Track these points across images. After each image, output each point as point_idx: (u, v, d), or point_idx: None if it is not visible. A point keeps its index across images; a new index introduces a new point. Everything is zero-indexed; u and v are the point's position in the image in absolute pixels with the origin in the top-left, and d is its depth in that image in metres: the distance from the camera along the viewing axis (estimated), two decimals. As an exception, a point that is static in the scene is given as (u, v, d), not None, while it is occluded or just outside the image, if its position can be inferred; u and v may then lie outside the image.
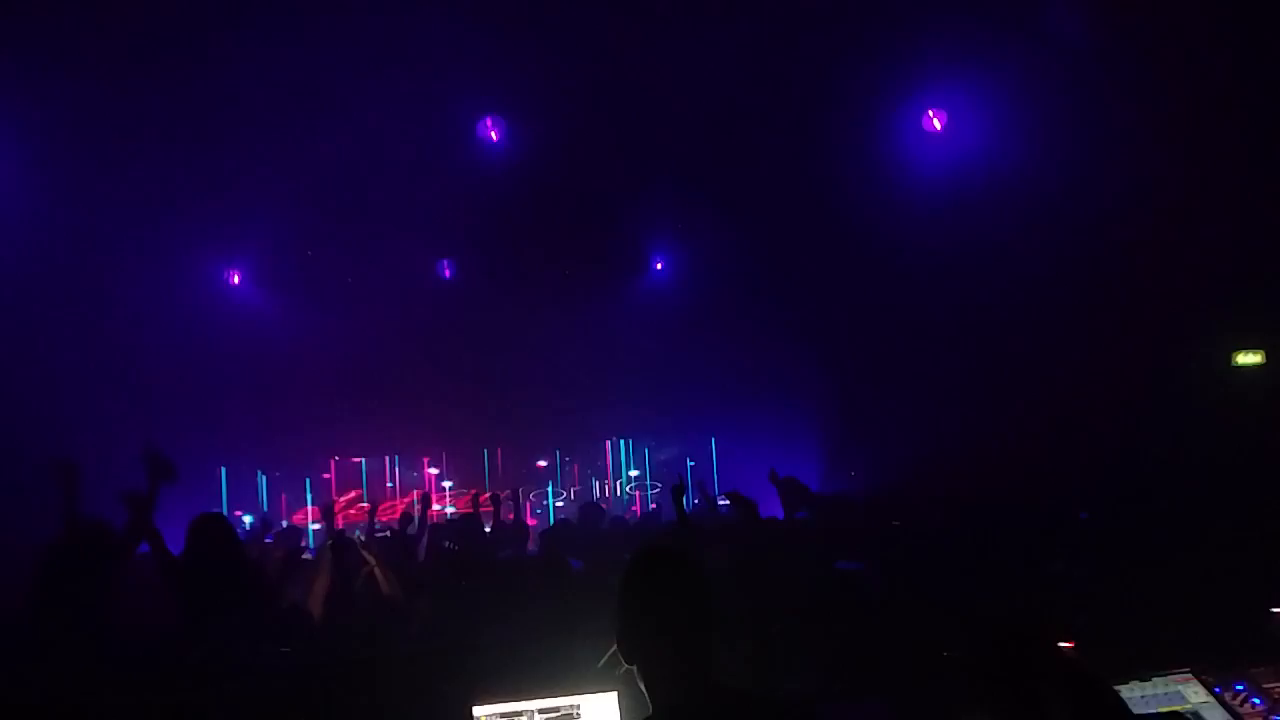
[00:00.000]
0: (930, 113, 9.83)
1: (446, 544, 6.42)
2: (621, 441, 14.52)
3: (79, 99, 8.29)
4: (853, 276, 10.86)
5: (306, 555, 5.91)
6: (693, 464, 13.43)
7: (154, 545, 4.21)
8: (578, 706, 3.02)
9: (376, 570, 5.05)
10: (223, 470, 12.76)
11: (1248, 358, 8.90)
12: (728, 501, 5.33)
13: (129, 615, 4.22)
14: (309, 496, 13.36)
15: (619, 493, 14.28)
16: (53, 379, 9.23)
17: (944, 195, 9.57)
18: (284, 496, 13.46)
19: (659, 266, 13.41)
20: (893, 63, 9.02)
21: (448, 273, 12.70)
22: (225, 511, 12.19)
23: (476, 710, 2.98)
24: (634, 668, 2.16)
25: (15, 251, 8.76)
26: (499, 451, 14.10)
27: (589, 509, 8.59)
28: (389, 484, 13.91)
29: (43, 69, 7.92)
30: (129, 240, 9.80)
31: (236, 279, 12.23)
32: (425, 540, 6.64)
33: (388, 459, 13.99)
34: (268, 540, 8.08)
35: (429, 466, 13.99)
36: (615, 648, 3.08)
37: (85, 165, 8.83)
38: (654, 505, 12.75)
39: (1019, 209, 8.94)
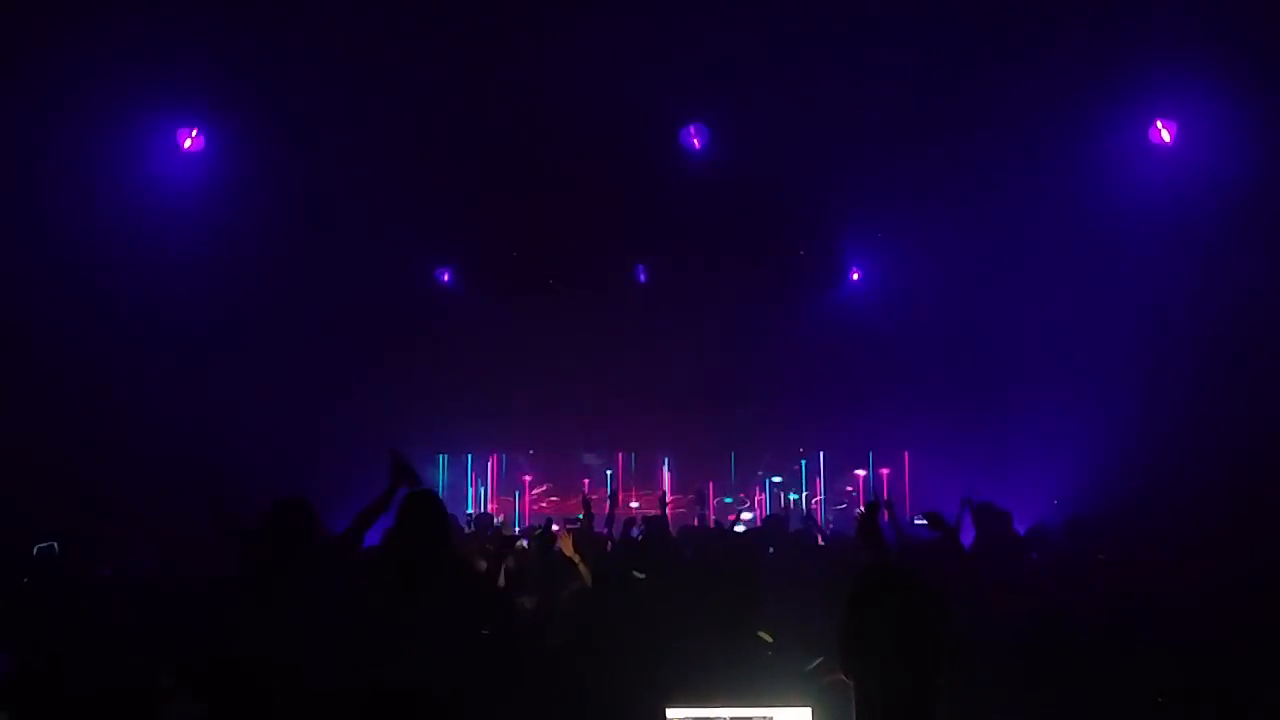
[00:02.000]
0: (1159, 123, 9.21)
1: (635, 533, 6.55)
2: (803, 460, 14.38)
3: (296, 104, 8.95)
4: (1059, 294, 10.33)
5: (520, 544, 6.13)
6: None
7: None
8: (770, 719, 3.00)
9: (580, 566, 5.21)
10: (441, 458, 13.56)
11: None
12: (925, 522, 5.12)
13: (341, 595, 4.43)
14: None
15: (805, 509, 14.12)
16: (270, 372, 10.00)
17: (1169, 211, 8.96)
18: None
19: (856, 277, 13.18)
20: (1118, 69, 8.51)
21: (643, 277, 12.93)
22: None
23: (670, 713, 3.01)
24: (850, 682, 2.13)
25: (236, 250, 9.56)
26: (670, 458, 14.26)
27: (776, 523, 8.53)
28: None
29: (260, 74, 8.55)
30: (345, 241, 10.51)
31: (447, 277, 12.92)
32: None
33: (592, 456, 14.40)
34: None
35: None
36: (821, 660, 3.06)
37: (303, 168, 9.52)
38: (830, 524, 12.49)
39: (1256, 238, 8.25)
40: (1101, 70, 8.51)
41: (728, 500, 14.16)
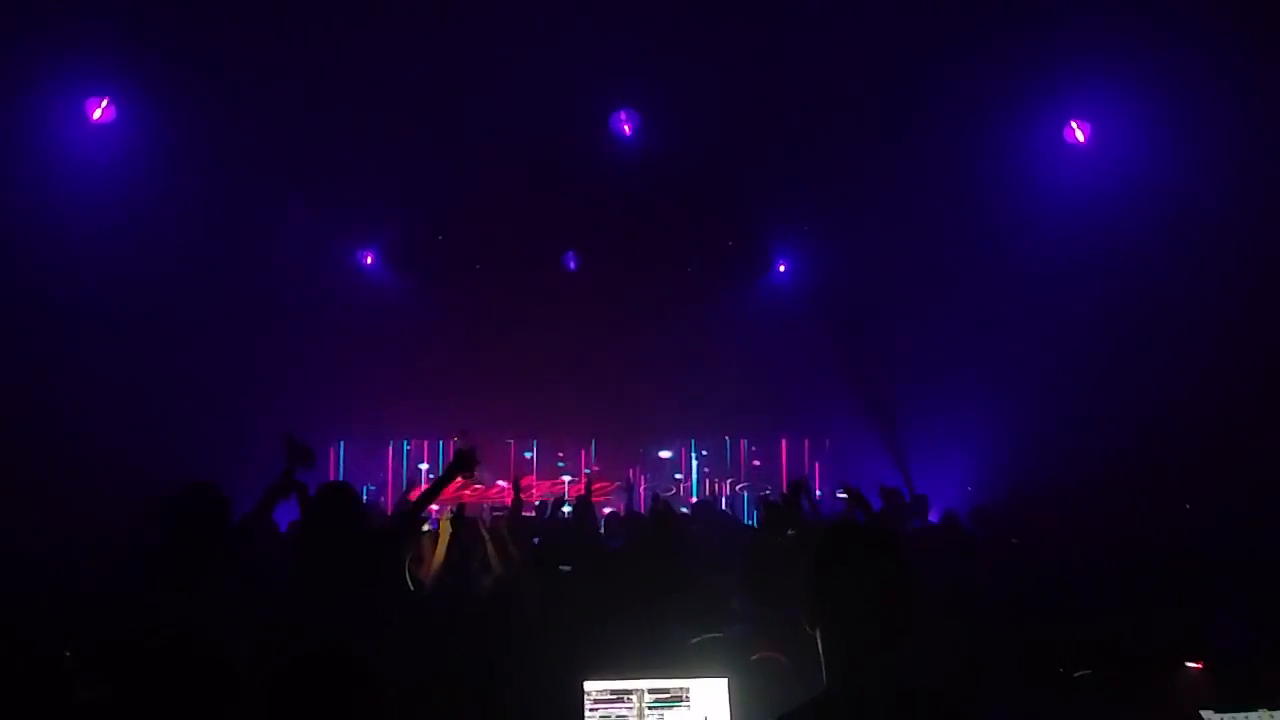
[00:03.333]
0: (1073, 123, 9.49)
1: (564, 513, 6.53)
2: (726, 440, 14.53)
3: (218, 77, 8.65)
4: (979, 289, 10.62)
5: (428, 528, 6.08)
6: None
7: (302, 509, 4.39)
8: (687, 689, 3.04)
9: (491, 549, 5.17)
10: (341, 444, 13.36)
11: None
12: (844, 495, 5.23)
13: (255, 577, 4.41)
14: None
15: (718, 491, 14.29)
16: (185, 352, 9.72)
17: (1084, 208, 9.25)
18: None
19: (782, 269, 13.35)
20: (1034, 69, 8.74)
21: (572, 264, 12.91)
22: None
23: (588, 685, 3.03)
24: (815, 632, 2.16)
25: (149, 226, 9.19)
26: (596, 443, 14.29)
27: (706, 508, 8.63)
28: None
29: (179, 46, 8.28)
30: (265, 220, 10.26)
31: (370, 260, 12.73)
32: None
33: (513, 442, 14.33)
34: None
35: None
36: (706, 636, 3.11)
37: (222, 142, 9.18)
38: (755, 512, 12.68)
39: (1166, 226, 8.57)
40: (1019, 70, 8.72)
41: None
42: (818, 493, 10.99)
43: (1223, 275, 8.44)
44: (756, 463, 14.37)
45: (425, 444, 14.17)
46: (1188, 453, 8.50)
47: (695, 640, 3.51)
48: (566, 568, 5.01)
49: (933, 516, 8.55)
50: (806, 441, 14.09)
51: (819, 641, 2.15)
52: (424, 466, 13.89)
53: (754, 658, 3.04)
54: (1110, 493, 8.40)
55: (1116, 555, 5.70)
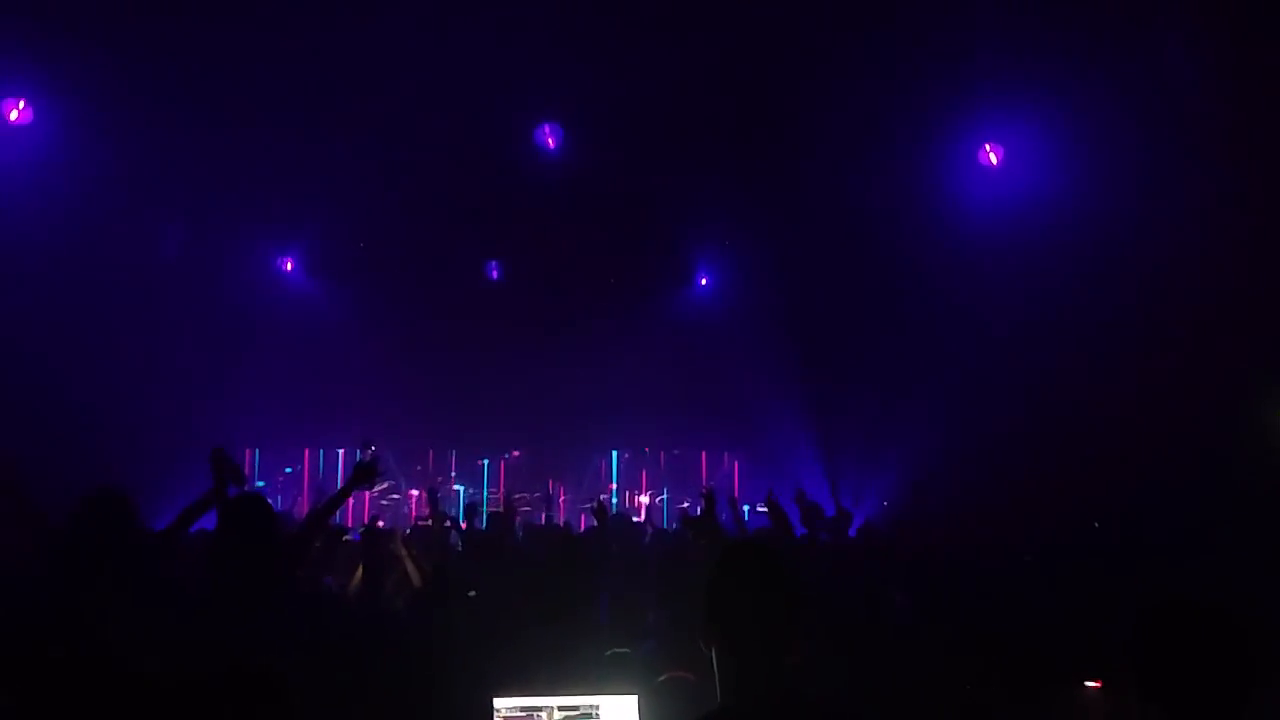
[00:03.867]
0: (987, 146, 9.78)
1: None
2: (645, 451, 14.58)
3: (134, 83, 8.50)
4: (894, 304, 10.86)
5: (349, 538, 6.00)
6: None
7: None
8: (597, 707, 3.04)
9: (409, 563, 5.13)
10: (256, 452, 13.05)
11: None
12: (765, 509, 5.30)
13: (172, 588, 4.30)
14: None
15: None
16: (99, 359, 9.44)
17: (998, 231, 9.54)
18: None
19: (704, 281, 13.46)
20: (950, 90, 9.00)
21: (495, 274, 12.84)
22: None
23: (497, 702, 3.02)
24: (711, 651, 2.21)
25: (65, 234, 8.97)
26: (518, 454, 14.21)
27: (625, 524, 8.64)
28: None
29: (96, 46, 8.10)
30: (181, 223, 10.02)
31: (289, 266, 12.49)
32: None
33: (432, 452, 14.14)
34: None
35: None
36: (615, 651, 3.14)
37: (139, 146, 9.01)
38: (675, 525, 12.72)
39: (1072, 249, 8.89)
40: (937, 93, 8.99)
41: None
42: (744, 507, 11.11)
43: (1131, 286, 8.75)
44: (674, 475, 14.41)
45: (342, 452, 13.92)
46: (1101, 465, 8.77)
47: (607, 653, 3.52)
48: (472, 593, 4.98)
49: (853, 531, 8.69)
50: (726, 455, 14.20)
51: (713, 658, 2.20)
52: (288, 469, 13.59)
53: (661, 679, 3.05)
54: (1023, 508, 8.63)
55: (1025, 571, 5.86)
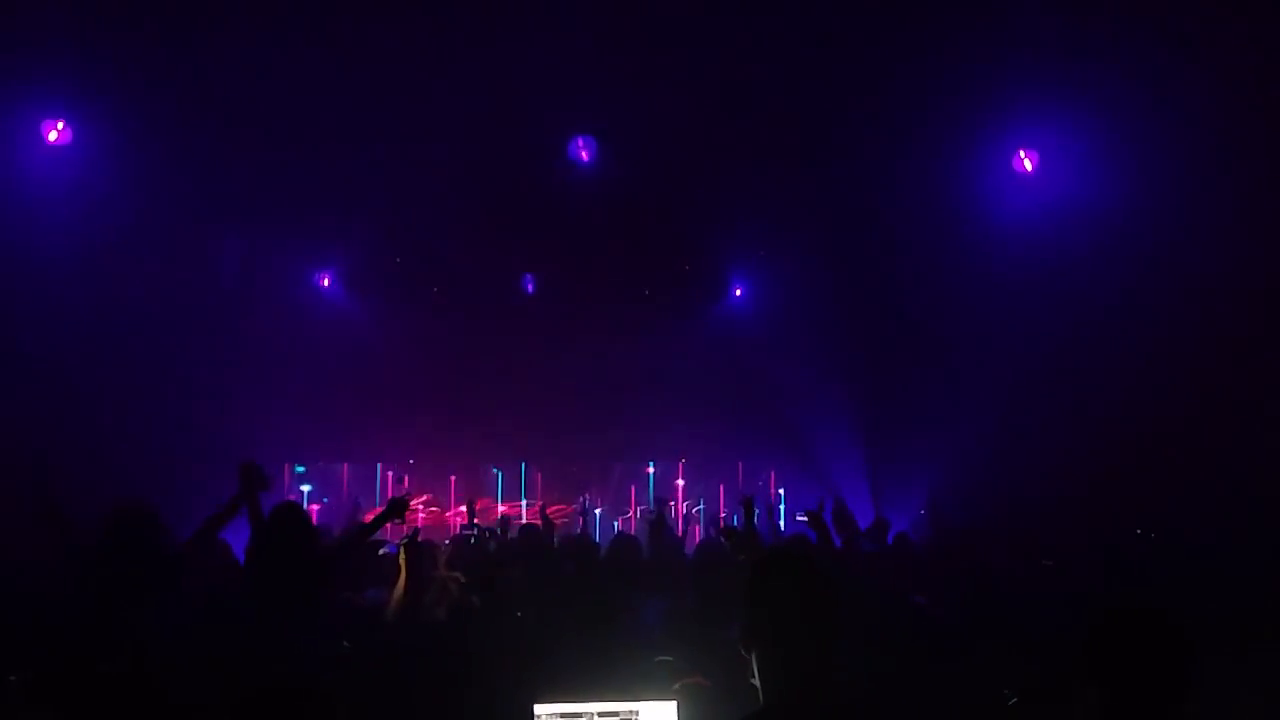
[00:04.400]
0: (1021, 153, 9.73)
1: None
2: (683, 463, 14.60)
3: (174, 101, 8.66)
4: (932, 313, 10.81)
5: (386, 551, 6.08)
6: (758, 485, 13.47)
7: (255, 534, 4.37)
8: (636, 713, 3.08)
9: (446, 575, 5.20)
10: (298, 468, 13.23)
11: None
12: (804, 518, 5.29)
13: (201, 600, 4.36)
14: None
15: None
16: (138, 374, 9.63)
17: (1032, 238, 9.48)
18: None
19: (739, 293, 13.47)
20: (984, 99, 8.97)
21: (530, 287, 12.94)
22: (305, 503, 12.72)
23: (538, 709, 3.06)
24: (751, 657, 2.26)
25: (109, 248, 9.18)
26: (554, 465, 14.26)
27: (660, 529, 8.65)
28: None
29: (136, 67, 8.27)
30: (220, 241, 10.21)
31: (326, 282, 12.67)
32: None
33: (453, 467, 14.24)
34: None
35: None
36: (659, 659, 3.18)
37: (177, 165, 9.18)
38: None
39: (1110, 258, 8.82)
40: (971, 100, 8.95)
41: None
42: (781, 518, 11.07)
43: (1176, 291, 8.67)
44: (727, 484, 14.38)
45: (379, 466, 14.08)
46: (1144, 471, 8.68)
47: (656, 659, 3.54)
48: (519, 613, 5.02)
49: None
50: (763, 464, 14.16)
51: (754, 664, 2.24)
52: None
53: (676, 686, 3.11)
54: (1068, 515, 8.56)
55: (1067, 580, 5.81)
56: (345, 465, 14.01)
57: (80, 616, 3.92)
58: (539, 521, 8.94)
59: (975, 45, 8.35)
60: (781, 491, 13.84)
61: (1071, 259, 9.13)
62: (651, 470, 14.58)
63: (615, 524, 13.62)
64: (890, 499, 11.50)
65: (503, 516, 8.30)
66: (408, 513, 5.06)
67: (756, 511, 5.56)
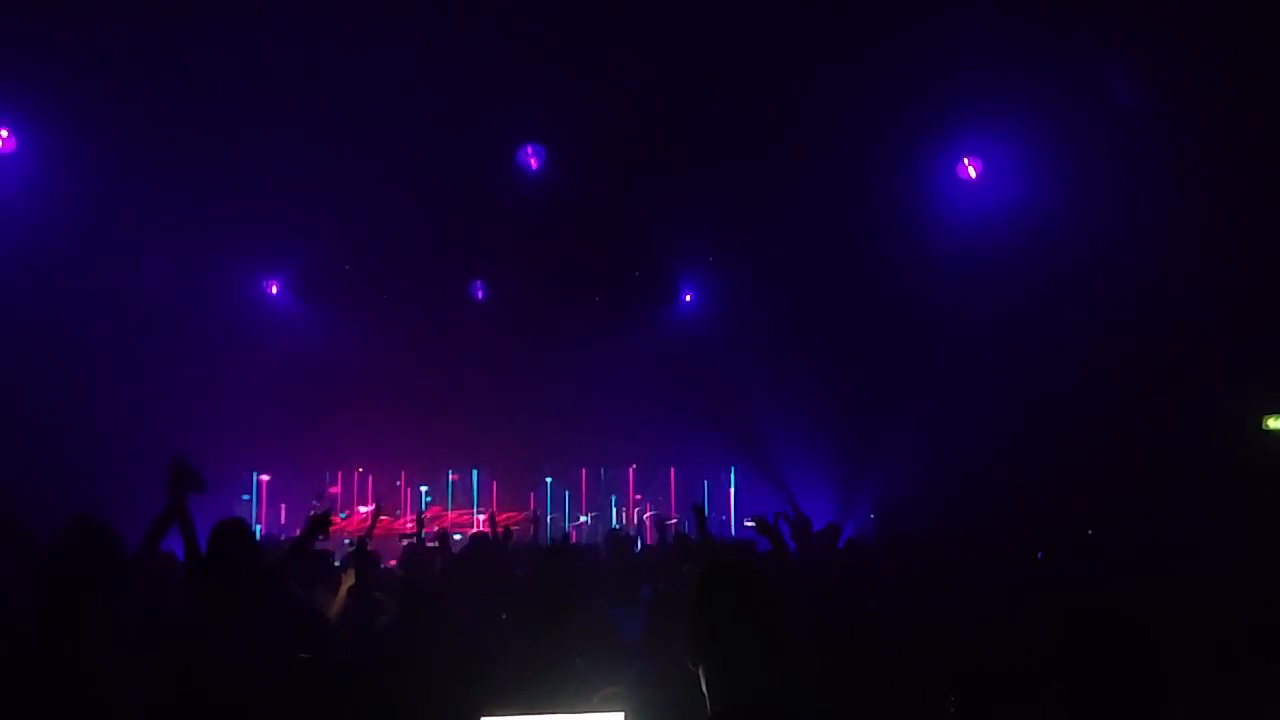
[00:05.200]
0: (965, 160, 9.89)
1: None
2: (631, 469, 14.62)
3: (120, 105, 8.53)
4: (878, 317, 10.94)
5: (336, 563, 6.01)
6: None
7: (186, 540, 4.29)
8: (585, 725, 3.06)
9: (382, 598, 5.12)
10: (254, 475, 13.04)
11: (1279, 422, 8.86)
12: (752, 524, 5.30)
13: (144, 612, 4.28)
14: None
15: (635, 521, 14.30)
16: (85, 382, 9.46)
17: (975, 243, 9.64)
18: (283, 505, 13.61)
19: (688, 298, 13.52)
20: (929, 106, 9.11)
21: (480, 293, 12.87)
22: (255, 513, 12.55)
23: (485, 721, 3.03)
24: (699, 669, 2.25)
25: (51, 255, 9.03)
26: (506, 471, 14.21)
27: (615, 537, 8.66)
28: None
29: (81, 74, 8.13)
30: (167, 247, 10.03)
31: (275, 289, 12.50)
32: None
33: (404, 473, 14.13)
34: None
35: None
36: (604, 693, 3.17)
37: (124, 171, 9.02)
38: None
39: (1050, 260, 9.00)
40: (914, 107, 9.09)
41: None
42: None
43: (1115, 292, 8.87)
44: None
45: (340, 474, 13.91)
46: (1087, 471, 8.84)
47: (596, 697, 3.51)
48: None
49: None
50: (723, 469, 14.21)
51: (702, 676, 2.24)
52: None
53: (597, 696, 3.10)
54: (1009, 517, 8.69)
55: (1011, 582, 5.89)
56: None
57: (27, 632, 3.82)
58: (488, 530, 8.90)
59: (922, 55, 8.48)
60: (732, 494, 13.92)
61: (1017, 260, 9.29)
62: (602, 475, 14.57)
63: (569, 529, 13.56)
64: (842, 503, 11.61)
65: (441, 531, 8.22)
66: (356, 522, 4.97)
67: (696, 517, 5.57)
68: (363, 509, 13.06)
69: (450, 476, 14.25)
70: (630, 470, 14.55)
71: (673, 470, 14.32)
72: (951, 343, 10.06)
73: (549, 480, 14.27)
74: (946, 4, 8.17)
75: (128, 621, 3.96)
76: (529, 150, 10.09)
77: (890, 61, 8.52)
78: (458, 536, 9.23)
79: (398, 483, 14.00)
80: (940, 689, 3.56)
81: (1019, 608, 4.93)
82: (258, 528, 11.74)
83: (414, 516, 9.59)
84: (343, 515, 12.27)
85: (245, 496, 13.18)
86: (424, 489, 14.10)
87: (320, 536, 4.68)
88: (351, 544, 4.92)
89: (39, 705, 3.35)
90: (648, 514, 14.24)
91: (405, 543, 7.97)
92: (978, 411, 9.82)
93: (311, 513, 4.72)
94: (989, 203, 9.62)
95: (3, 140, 8.69)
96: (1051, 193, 8.95)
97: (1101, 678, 2.28)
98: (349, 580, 4.88)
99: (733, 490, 14.04)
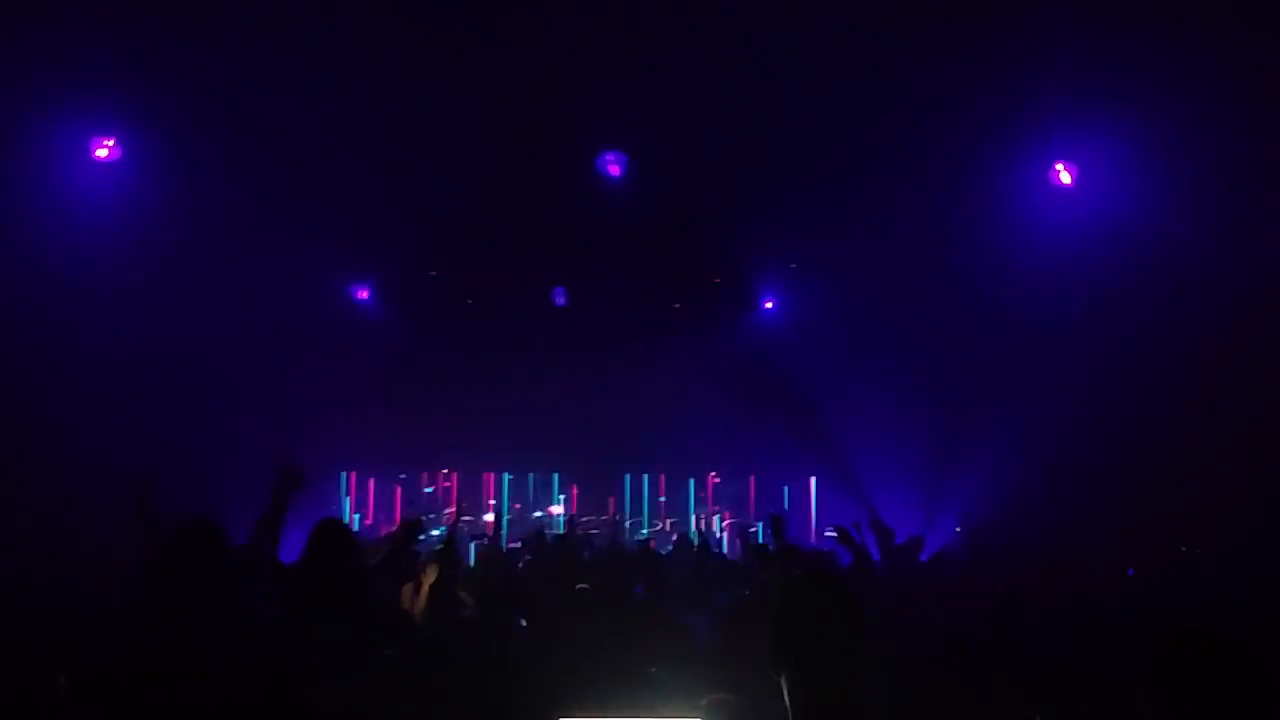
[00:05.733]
0: (1059, 165, 9.61)
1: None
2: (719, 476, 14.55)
3: (225, 127, 8.84)
4: (965, 326, 10.72)
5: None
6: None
7: (273, 538, 4.41)
8: (662, 730, 3.07)
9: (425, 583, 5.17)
10: (343, 475, 13.37)
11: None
12: (833, 534, 5.19)
13: (239, 611, 4.40)
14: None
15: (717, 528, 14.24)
16: (186, 387, 9.82)
17: (1069, 249, 9.37)
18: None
19: (769, 305, 13.44)
20: (1020, 112, 8.89)
21: (561, 300, 13.00)
22: (346, 515, 12.89)
23: (562, 725, 3.05)
24: (781, 679, 2.27)
25: (154, 263, 9.35)
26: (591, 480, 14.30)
27: (685, 543, 8.66)
28: (490, 500, 14.27)
29: (183, 87, 8.44)
30: (265, 256, 10.35)
31: (365, 295, 12.82)
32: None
33: (492, 476, 14.32)
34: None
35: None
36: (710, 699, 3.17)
37: (222, 181, 9.33)
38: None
39: (1147, 270, 8.70)
40: (1007, 111, 8.87)
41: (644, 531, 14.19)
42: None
43: (1205, 314, 8.54)
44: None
45: (425, 475, 14.21)
46: (1183, 489, 8.54)
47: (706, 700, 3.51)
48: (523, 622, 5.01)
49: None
50: (792, 479, 14.08)
51: (784, 688, 2.26)
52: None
53: (704, 703, 3.09)
54: (1103, 533, 8.44)
55: (1103, 599, 5.72)
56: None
57: (139, 622, 3.97)
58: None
59: (1011, 56, 8.28)
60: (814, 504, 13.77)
61: (1114, 274, 9.01)
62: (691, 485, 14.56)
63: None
64: (925, 515, 11.39)
65: (532, 528, 8.29)
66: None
67: (780, 527, 5.50)
68: (447, 510, 13.28)
69: (532, 479, 14.43)
70: (710, 477, 14.52)
71: (752, 479, 14.25)
72: (1042, 354, 9.80)
73: (628, 483, 14.33)
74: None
75: (234, 616, 4.08)
76: (610, 157, 10.15)
77: (981, 62, 8.32)
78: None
79: (480, 484, 14.21)
80: (1024, 709, 3.49)
81: (1109, 626, 4.79)
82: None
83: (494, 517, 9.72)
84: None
85: (344, 497, 13.57)
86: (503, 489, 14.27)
87: (415, 540, 4.74)
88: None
89: (149, 692, 3.49)
90: (727, 522, 14.18)
91: (480, 544, 8.06)
92: (1069, 425, 9.54)
93: (405, 516, 4.80)
94: (1083, 209, 9.33)
95: (109, 149, 9.03)
96: (1154, 201, 8.63)
97: (1197, 699, 2.20)
98: (431, 577, 4.95)
99: (813, 499, 13.91)
